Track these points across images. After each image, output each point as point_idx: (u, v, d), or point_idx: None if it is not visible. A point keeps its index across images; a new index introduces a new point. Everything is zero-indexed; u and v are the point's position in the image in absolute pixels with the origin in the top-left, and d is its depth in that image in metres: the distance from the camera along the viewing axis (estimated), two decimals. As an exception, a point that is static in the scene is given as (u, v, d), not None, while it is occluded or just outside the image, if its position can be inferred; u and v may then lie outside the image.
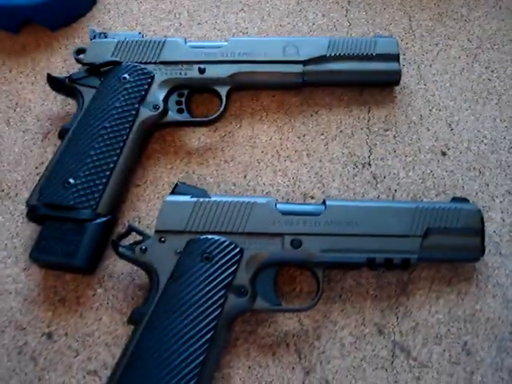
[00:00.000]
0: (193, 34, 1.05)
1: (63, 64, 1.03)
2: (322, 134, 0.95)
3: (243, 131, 0.96)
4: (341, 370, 0.79)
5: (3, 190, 0.92)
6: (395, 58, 0.94)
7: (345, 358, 0.79)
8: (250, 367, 0.79)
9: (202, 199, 0.80)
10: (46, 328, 0.81)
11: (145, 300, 0.76)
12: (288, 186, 0.91)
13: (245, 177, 0.92)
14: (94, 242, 0.82)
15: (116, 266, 0.85)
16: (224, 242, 0.77)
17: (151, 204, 0.90)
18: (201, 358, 0.72)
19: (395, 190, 0.90)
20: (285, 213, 0.79)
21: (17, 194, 0.91)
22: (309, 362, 0.79)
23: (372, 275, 0.84)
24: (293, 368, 0.79)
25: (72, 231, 0.81)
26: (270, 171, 0.92)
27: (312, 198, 0.90)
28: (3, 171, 0.94)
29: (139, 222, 0.88)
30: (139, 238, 0.79)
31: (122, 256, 0.78)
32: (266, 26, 1.05)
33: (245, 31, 1.05)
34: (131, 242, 0.79)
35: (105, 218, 0.83)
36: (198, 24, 1.06)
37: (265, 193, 0.90)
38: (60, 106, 0.99)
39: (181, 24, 1.06)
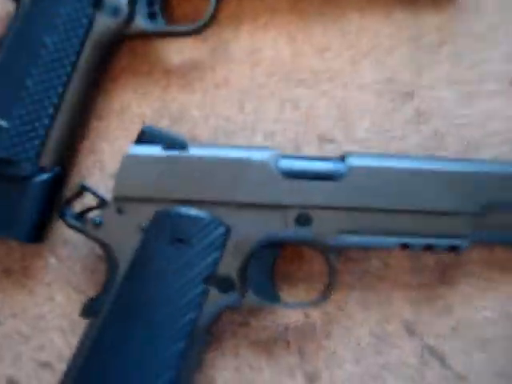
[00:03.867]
0: None
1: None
2: (349, 49, 0.77)
3: (241, 43, 0.79)
4: (354, 379, 0.71)
5: None
6: None
7: (360, 363, 0.72)
8: (237, 368, 0.72)
9: (176, 153, 0.67)
10: (-14, 306, 0.75)
11: (102, 288, 0.66)
12: (299, 123, 0.76)
13: (242, 109, 0.77)
14: (37, 206, 0.71)
15: (71, 231, 0.71)
16: (204, 217, 0.65)
17: (117, 144, 0.77)
18: (172, 372, 0.62)
19: (444, 135, 0.74)
20: (289, 175, 0.66)
21: None
22: (314, 367, 0.72)
23: (404, 255, 0.73)
24: (293, 373, 0.72)
25: (6, 192, 0.70)
26: (275, 101, 0.77)
27: (331, 142, 0.75)
28: None
29: (101, 170, 0.76)
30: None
31: (71, 227, 0.67)
32: None
33: None
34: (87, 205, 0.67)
35: (50, 173, 0.70)
36: None
37: (267, 132, 0.76)
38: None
39: None
